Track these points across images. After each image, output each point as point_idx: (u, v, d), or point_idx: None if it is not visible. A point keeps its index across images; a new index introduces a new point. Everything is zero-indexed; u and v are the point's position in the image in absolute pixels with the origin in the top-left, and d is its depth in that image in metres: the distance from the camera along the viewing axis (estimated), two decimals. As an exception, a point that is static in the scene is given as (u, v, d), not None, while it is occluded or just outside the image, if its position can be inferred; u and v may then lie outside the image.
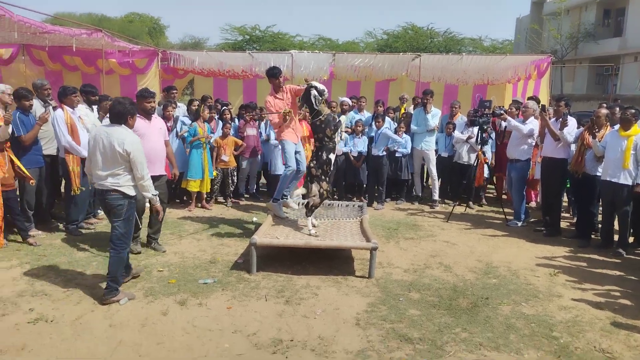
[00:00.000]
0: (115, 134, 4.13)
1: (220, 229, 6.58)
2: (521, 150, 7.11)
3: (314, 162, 5.57)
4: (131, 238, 4.40)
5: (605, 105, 7.05)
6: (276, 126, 6.18)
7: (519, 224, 7.24)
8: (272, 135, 8.15)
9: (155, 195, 4.38)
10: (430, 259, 5.61)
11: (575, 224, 6.97)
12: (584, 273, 5.30)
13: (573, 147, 6.60)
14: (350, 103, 8.90)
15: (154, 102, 5.42)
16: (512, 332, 3.84)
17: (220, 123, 8.33)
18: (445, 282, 4.87)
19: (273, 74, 6.24)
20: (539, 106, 7.42)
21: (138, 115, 4.81)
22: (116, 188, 4.17)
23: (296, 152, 6.09)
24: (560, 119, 6.55)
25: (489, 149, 8.12)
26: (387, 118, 8.55)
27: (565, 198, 7.93)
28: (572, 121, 6.63)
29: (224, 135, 8.00)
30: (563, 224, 7.12)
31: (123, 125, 4.21)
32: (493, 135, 8.21)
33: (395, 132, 8.46)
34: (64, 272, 4.87)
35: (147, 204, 5.04)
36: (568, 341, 3.75)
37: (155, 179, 4.94)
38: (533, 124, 7.06)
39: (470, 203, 8.43)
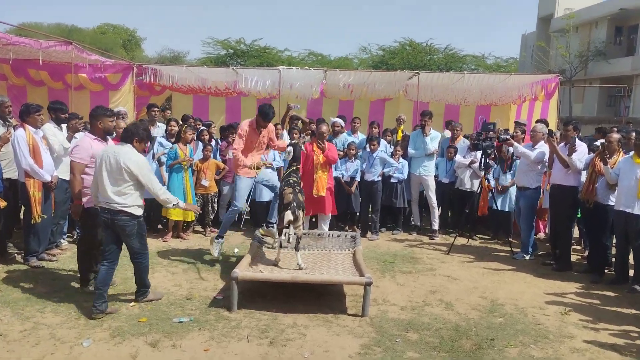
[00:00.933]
0: (122, 152, 4.68)
1: (198, 261, 6.55)
2: (530, 177, 7.20)
3: (292, 188, 5.63)
4: (147, 249, 5.02)
5: (616, 129, 7.18)
6: (235, 163, 6.34)
7: (527, 257, 7.28)
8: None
9: (177, 202, 5.01)
10: (429, 296, 5.60)
11: (586, 257, 7.02)
12: (598, 311, 5.33)
13: (584, 174, 6.71)
14: (343, 124, 9.00)
15: (114, 121, 5.31)
16: (520, 378, 3.82)
17: (200, 145, 8.37)
18: (447, 321, 4.86)
19: (266, 114, 6.21)
20: (546, 131, 7.55)
21: (96, 138, 5.09)
22: (123, 209, 4.67)
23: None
24: (569, 144, 6.67)
25: (492, 176, 8.22)
26: (382, 141, 8.65)
27: (576, 229, 8.00)
28: (581, 146, 6.75)
29: (205, 158, 8.03)
30: (574, 257, 7.18)
31: (129, 145, 4.74)
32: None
33: (392, 155, 8.55)
34: (21, 309, 4.78)
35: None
36: (581, 387, 3.73)
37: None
38: (543, 149, 7.16)
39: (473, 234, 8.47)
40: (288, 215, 5.40)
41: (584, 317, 5.13)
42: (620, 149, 6.47)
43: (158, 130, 8.47)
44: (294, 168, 6.01)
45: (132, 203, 4.69)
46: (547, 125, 8.81)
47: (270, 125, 6.56)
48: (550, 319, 5.06)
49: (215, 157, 8.35)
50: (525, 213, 7.30)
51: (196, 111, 11.47)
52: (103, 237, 4.90)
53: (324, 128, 7.45)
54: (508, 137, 7.46)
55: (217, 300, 5.20)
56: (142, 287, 5.10)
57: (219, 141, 8.88)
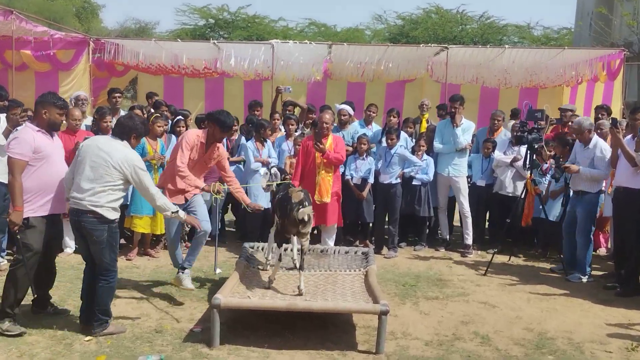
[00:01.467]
0: (115, 149, 4.98)
1: (170, 285, 6.53)
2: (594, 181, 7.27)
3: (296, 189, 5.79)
4: (116, 267, 5.20)
5: None
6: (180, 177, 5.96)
7: (584, 279, 7.30)
8: (251, 157, 8.24)
9: (177, 211, 5.20)
10: (461, 327, 5.60)
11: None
12: (674, 348, 5.32)
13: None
14: (351, 112, 9.04)
15: (64, 115, 5.31)
16: None
17: (174, 138, 8.41)
18: (483, 360, 4.86)
19: (223, 123, 5.95)
20: (608, 119, 7.56)
21: (40, 130, 5.10)
22: (93, 209, 4.88)
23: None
24: (638, 137, 6.68)
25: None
26: (402, 133, 8.68)
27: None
28: None
29: (178, 155, 8.06)
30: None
31: (125, 142, 5.06)
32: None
33: (413, 152, 8.57)
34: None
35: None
36: None
37: (52, 220, 5.15)
38: (598, 147, 7.19)
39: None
40: (302, 214, 5.37)
41: (656, 355, 5.12)
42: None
43: (120, 120, 8.52)
44: (286, 183, 6.10)
45: (104, 203, 4.92)
46: (609, 112, 8.85)
47: (222, 149, 6.27)
48: (613, 356, 5.06)
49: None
50: (582, 224, 7.31)
51: (168, 96, 11.53)
52: (78, 245, 5.36)
53: (326, 117, 7.47)
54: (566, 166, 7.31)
55: (195, 333, 5.20)
56: (103, 314, 5.11)
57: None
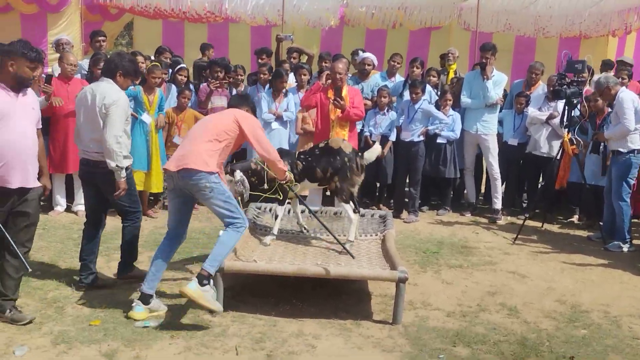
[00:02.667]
0: (99, 89, 5.12)
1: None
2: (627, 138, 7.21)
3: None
4: (139, 206, 5.57)
5: None
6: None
7: (624, 247, 7.29)
8: (264, 106, 8.22)
9: (121, 169, 5.10)
10: (487, 298, 5.62)
11: None
12: None
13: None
14: (375, 62, 8.96)
15: (39, 68, 4.68)
16: (609, 409, 3.85)
17: (174, 88, 8.41)
18: (510, 333, 4.89)
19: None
20: None
21: (1, 86, 4.51)
22: (102, 159, 5.10)
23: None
24: None
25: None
26: (427, 86, 8.60)
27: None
28: None
29: (180, 108, 8.08)
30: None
31: (110, 80, 5.19)
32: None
33: (438, 106, 8.50)
34: None
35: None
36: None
37: (22, 193, 4.57)
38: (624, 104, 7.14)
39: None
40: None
41: (700, 330, 5.13)
42: None
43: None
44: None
45: None
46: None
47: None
48: (654, 331, 5.07)
49: (195, 107, 8.43)
50: (616, 186, 7.31)
51: (167, 42, 11.46)
52: (85, 196, 5.60)
53: (339, 67, 7.31)
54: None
55: (196, 299, 5.27)
56: (130, 257, 5.58)
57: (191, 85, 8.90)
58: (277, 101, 8.32)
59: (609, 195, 7.50)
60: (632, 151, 7.24)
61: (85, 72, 8.24)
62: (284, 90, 8.41)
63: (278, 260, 5.44)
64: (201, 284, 4.64)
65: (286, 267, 5.16)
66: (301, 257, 5.55)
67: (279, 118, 8.25)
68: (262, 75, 8.71)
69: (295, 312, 5.06)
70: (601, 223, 7.77)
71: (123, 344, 4.40)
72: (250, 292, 5.41)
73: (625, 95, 7.17)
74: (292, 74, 8.89)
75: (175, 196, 5.00)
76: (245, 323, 4.83)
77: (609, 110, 7.84)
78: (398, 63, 9.14)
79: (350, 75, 8.86)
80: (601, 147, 7.84)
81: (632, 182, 7.43)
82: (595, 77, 7.63)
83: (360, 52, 9.28)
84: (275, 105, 8.31)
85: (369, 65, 8.84)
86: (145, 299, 4.89)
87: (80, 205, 7.68)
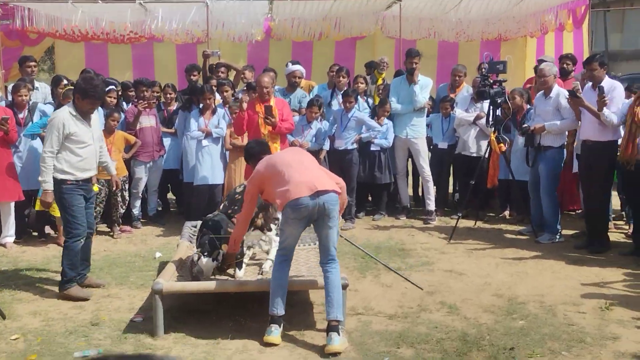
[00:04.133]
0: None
1: (105, 273, 6.51)
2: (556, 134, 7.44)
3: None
4: (73, 225, 5.73)
5: None
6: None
7: (555, 239, 7.50)
8: (193, 125, 8.16)
9: (46, 182, 5.60)
10: (426, 298, 5.69)
11: (631, 234, 7.27)
12: (648, 303, 5.53)
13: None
14: (303, 72, 9.00)
15: None
16: (550, 396, 3.95)
17: (101, 110, 8.23)
18: (451, 330, 4.96)
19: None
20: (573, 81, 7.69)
21: None
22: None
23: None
24: (598, 95, 6.72)
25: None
26: (359, 97, 8.71)
27: (617, 199, 8.25)
28: (617, 89, 6.93)
29: (109, 130, 7.93)
30: (616, 236, 7.47)
31: (70, 103, 5.67)
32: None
33: (373, 116, 8.57)
34: None
35: None
36: (629, 402, 3.88)
37: None
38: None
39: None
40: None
41: (630, 312, 5.30)
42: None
43: (37, 93, 8.29)
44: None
45: (56, 165, 5.65)
46: (574, 62, 9.03)
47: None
48: (587, 317, 5.22)
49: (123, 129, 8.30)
50: (548, 181, 7.50)
51: (90, 65, 11.19)
52: None
53: (265, 81, 7.29)
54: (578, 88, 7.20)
55: (135, 323, 5.17)
56: (63, 274, 5.79)
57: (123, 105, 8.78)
58: (205, 118, 8.25)
59: (534, 189, 7.71)
60: (562, 146, 7.46)
61: (6, 100, 8.02)
62: (212, 107, 8.34)
63: (217, 278, 5.39)
64: (339, 333, 4.64)
65: (226, 284, 5.12)
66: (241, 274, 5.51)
67: (209, 135, 8.17)
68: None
69: (238, 328, 5.02)
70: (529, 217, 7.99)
71: (62, 375, 4.28)
72: (190, 312, 5.34)
73: (565, 90, 7.35)
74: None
75: (303, 224, 4.86)
76: (188, 344, 4.77)
77: (528, 107, 8.11)
78: (343, 77, 9.11)
79: (277, 87, 8.93)
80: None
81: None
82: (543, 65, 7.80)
83: (290, 64, 9.32)
84: (205, 122, 8.23)
85: (299, 77, 8.87)
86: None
87: (8, 237, 7.43)
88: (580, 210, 8.61)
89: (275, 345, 4.66)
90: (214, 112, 8.30)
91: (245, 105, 7.30)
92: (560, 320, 5.15)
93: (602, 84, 6.82)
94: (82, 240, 5.81)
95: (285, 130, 7.38)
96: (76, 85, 5.73)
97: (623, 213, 8.24)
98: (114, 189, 6.90)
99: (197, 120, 8.24)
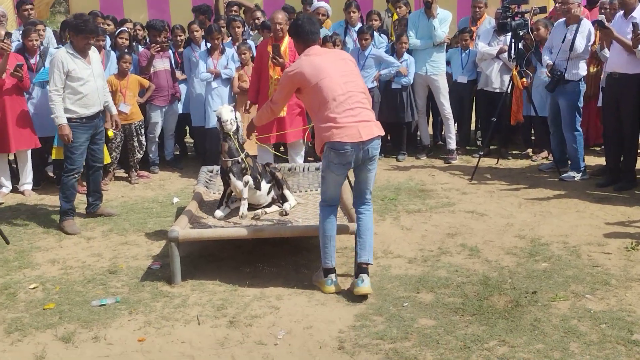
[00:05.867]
0: None
1: (123, 219, 6.50)
2: (573, 64, 7.20)
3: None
4: (70, 162, 6.06)
5: None
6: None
7: (577, 177, 7.35)
8: (202, 67, 7.98)
9: (57, 117, 5.86)
10: (447, 240, 5.63)
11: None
12: (677, 242, 5.42)
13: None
14: (329, 10, 8.74)
15: None
16: (574, 340, 3.89)
17: (113, 54, 8.12)
18: (472, 274, 4.90)
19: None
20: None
21: None
22: None
23: None
24: (633, 26, 6.41)
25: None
26: (375, 32, 8.50)
27: None
28: None
29: (122, 74, 7.82)
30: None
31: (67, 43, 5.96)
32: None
33: (393, 52, 8.35)
34: None
35: None
36: (656, 346, 3.81)
37: None
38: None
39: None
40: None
41: (657, 252, 5.21)
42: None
43: (47, 38, 8.18)
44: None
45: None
46: None
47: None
48: (612, 258, 5.12)
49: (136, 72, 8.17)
50: (569, 115, 7.34)
51: (105, 7, 11.06)
52: None
53: (278, 17, 6.95)
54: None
55: (153, 270, 5.18)
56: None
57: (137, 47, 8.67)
58: (214, 59, 8.06)
59: (554, 124, 7.55)
60: (581, 79, 7.24)
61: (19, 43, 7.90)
62: (220, 47, 8.14)
63: (234, 224, 5.34)
64: (368, 275, 4.62)
65: (242, 230, 5.06)
66: (256, 220, 5.46)
67: (218, 76, 7.99)
68: (195, 33, 8.43)
69: (256, 275, 5.00)
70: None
71: (80, 325, 4.29)
72: (208, 259, 5.33)
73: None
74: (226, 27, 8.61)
75: (346, 169, 4.66)
76: (205, 291, 4.76)
77: None
78: (353, 12, 8.80)
79: None
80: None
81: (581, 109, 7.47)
82: None
83: (315, 1, 8.99)
84: (214, 63, 8.05)
85: (322, 15, 8.61)
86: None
87: (27, 185, 7.43)
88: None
89: (335, 293, 4.63)
90: (222, 52, 8.11)
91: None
92: (584, 262, 5.06)
93: (635, 13, 6.52)
94: (76, 175, 6.20)
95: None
96: (68, 23, 5.92)
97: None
98: (113, 128, 6.83)
99: (205, 61, 8.06)
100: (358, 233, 4.73)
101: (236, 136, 5.36)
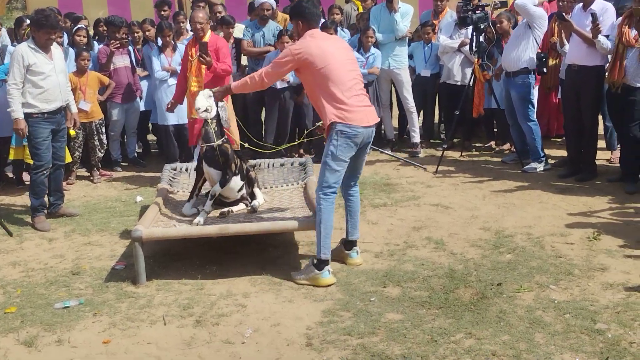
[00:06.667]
0: None
1: (85, 219, 6.42)
2: (522, 57, 7.32)
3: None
4: (41, 159, 6.03)
5: None
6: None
7: (539, 168, 7.43)
8: (157, 65, 7.88)
9: (14, 111, 5.83)
10: (413, 234, 5.65)
11: (619, 160, 7.17)
12: (637, 232, 5.48)
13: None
14: (273, 5, 8.68)
15: None
16: (539, 330, 3.93)
17: (71, 51, 7.98)
18: (437, 267, 4.92)
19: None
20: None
21: None
22: None
23: None
24: (592, 21, 6.48)
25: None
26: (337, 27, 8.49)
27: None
28: (608, 11, 6.68)
29: (80, 71, 7.71)
30: (601, 163, 7.41)
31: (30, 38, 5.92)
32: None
33: (360, 47, 8.33)
34: None
35: None
36: (619, 335, 3.86)
37: None
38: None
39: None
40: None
41: (618, 241, 5.28)
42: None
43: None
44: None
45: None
46: None
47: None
48: (574, 248, 5.19)
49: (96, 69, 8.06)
50: (522, 107, 7.44)
51: (64, 5, 10.88)
52: None
53: (198, 16, 6.78)
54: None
55: (117, 270, 5.13)
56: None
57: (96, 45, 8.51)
58: (167, 56, 7.97)
59: (512, 117, 7.66)
60: (528, 71, 7.35)
61: None
62: (172, 43, 8.05)
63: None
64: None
65: (207, 228, 5.02)
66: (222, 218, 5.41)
67: (174, 73, 7.88)
68: (147, 33, 8.38)
69: (222, 273, 4.97)
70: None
71: (43, 328, 4.23)
72: (173, 257, 5.29)
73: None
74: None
75: (354, 152, 4.75)
76: (171, 290, 4.72)
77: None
78: (337, 14, 8.91)
79: (249, 20, 8.82)
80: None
81: (534, 101, 7.55)
82: None
83: None
84: (168, 60, 7.96)
85: (267, 10, 8.54)
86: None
87: None
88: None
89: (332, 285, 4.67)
90: (174, 49, 8.02)
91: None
92: (548, 253, 5.12)
93: (593, 6, 6.62)
94: (45, 172, 6.13)
95: (222, 72, 6.80)
96: (30, 19, 5.90)
97: (606, 139, 8.08)
98: (72, 126, 6.64)
99: (158, 58, 7.97)
100: (350, 213, 5.06)
101: (214, 122, 5.28)
